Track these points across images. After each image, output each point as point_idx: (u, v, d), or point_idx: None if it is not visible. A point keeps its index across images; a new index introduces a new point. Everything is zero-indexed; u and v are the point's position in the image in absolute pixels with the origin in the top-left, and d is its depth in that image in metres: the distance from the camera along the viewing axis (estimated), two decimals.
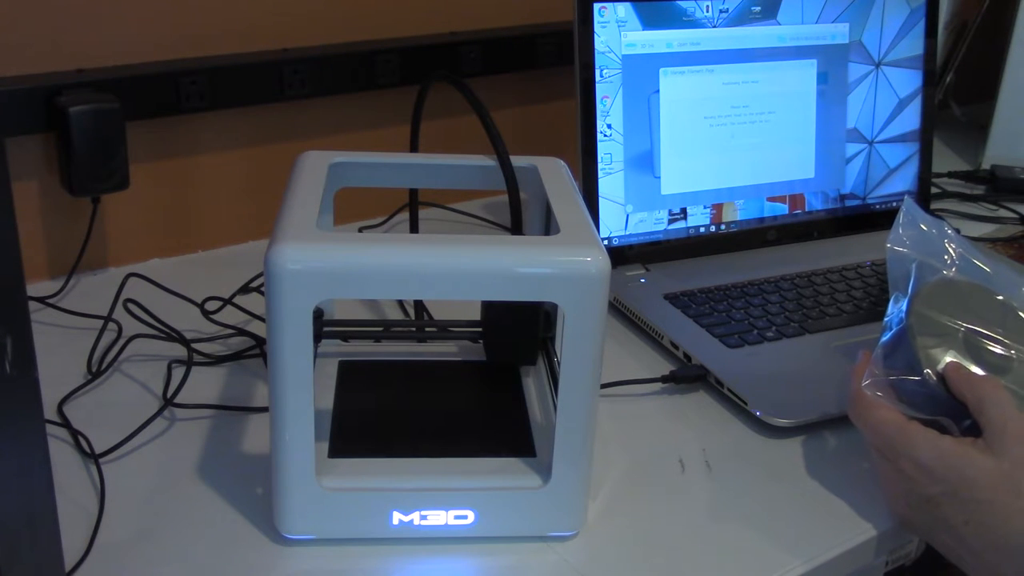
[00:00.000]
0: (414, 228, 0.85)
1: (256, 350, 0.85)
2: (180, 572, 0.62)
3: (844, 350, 0.85)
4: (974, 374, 0.67)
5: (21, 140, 0.90)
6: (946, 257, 0.75)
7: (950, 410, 0.66)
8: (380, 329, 0.82)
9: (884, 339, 0.71)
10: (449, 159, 0.73)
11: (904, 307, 0.71)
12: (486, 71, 1.13)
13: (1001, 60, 1.31)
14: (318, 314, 0.76)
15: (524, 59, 1.15)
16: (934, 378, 0.67)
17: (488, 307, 0.75)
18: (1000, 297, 0.74)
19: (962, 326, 0.70)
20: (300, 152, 0.71)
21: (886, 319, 0.72)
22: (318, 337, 0.74)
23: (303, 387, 0.59)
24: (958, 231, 0.78)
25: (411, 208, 0.85)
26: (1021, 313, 0.73)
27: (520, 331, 0.74)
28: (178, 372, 0.81)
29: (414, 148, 0.78)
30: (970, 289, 0.74)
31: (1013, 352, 0.70)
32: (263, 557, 0.63)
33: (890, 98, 1.08)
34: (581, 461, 0.63)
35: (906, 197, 0.80)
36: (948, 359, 0.68)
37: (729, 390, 0.80)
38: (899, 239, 0.76)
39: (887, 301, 0.94)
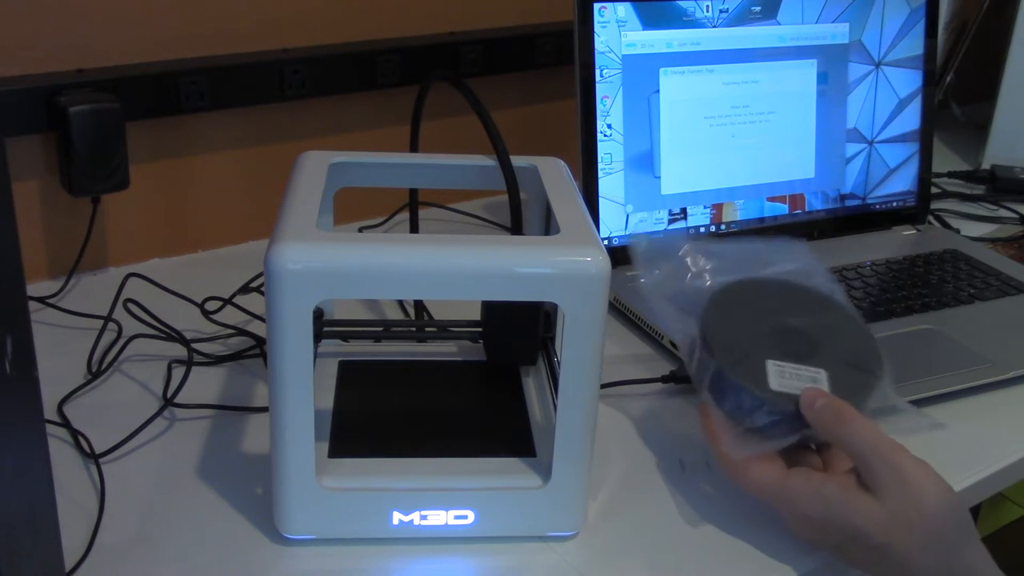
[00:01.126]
0: (414, 228, 0.85)
1: (256, 350, 0.85)
2: (180, 572, 0.62)
3: None
4: (827, 408, 0.63)
5: (21, 140, 0.90)
6: (694, 273, 0.73)
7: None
8: (380, 329, 0.82)
9: (707, 386, 0.68)
10: (449, 159, 0.73)
11: (701, 346, 0.68)
12: (486, 71, 1.13)
13: (1001, 60, 1.31)
14: (318, 314, 0.76)
15: (524, 59, 1.15)
16: (774, 399, 0.65)
17: (488, 307, 0.75)
18: (756, 280, 0.73)
19: (759, 327, 0.69)
20: (300, 152, 0.71)
21: (692, 370, 0.69)
22: (318, 337, 0.74)
23: (303, 387, 0.59)
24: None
25: (411, 208, 0.85)
26: (793, 283, 0.73)
27: (520, 331, 0.74)
28: (178, 372, 0.81)
29: (414, 148, 0.78)
30: (744, 289, 0.72)
31: (807, 328, 0.69)
32: (263, 557, 0.63)
33: (890, 98, 1.08)
34: (581, 461, 0.63)
35: (630, 244, 0.75)
36: (771, 371, 0.66)
37: None
38: (652, 287, 0.73)
39: (887, 301, 0.94)
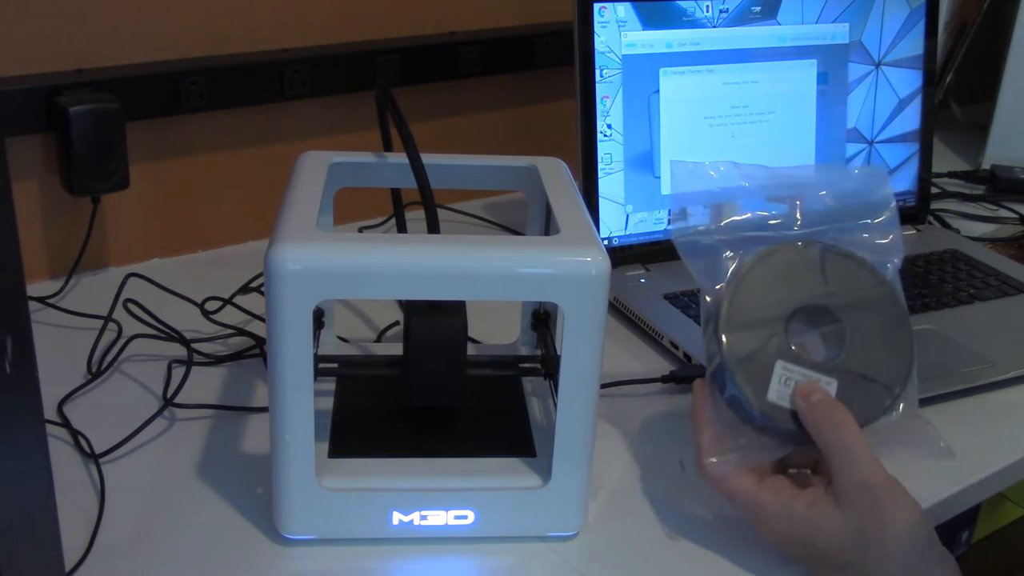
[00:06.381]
0: (401, 228, 0.84)
1: (256, 350, 0.85)
2: (180, 572, 0.62)
3: None
4: (821, 405, 0.62)
5: (21, 140, 0.90)
6: (728, 226, 0.67)
7: (805, 435, 0.63)
8: (370, 371, 0.77)
9: (710, 371, 0.65)
10: (449, 159, 0.73)
11: (712, 324, 0.65)
12: (486, 71, 1.13)
13: (1001, 60, 1.31)
14: (318, 314, 0.76)
15: (524, 59, 1.15)
16: (770, 412, 0.63)
17: (409, 344, 0.65)
18: (803, 245, 0.67)
19: (784, 312, 0.65)
20: (300, 152, 0.71)
21: (704, 344, 0.66)
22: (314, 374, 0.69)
23: (303, 387, 0.59)
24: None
25: (395, 208, 0.84)
26: (833, 254, 0.67)
27: (443, 369, 0.66)
28: (178, 372, 0.81)
29: (387, 149, 0.77)
30: (777, 254, 0.67)
31: (842, 319, 0.65)
32: (263, 557, 0.63)
33: (890, 98, 1.08)
34: (581, 461, 0.63)
35: (671, 162, 0.68)
36: (776, 375, 0.63)
37: None
38: (682, 225, 0.68)
39: None
